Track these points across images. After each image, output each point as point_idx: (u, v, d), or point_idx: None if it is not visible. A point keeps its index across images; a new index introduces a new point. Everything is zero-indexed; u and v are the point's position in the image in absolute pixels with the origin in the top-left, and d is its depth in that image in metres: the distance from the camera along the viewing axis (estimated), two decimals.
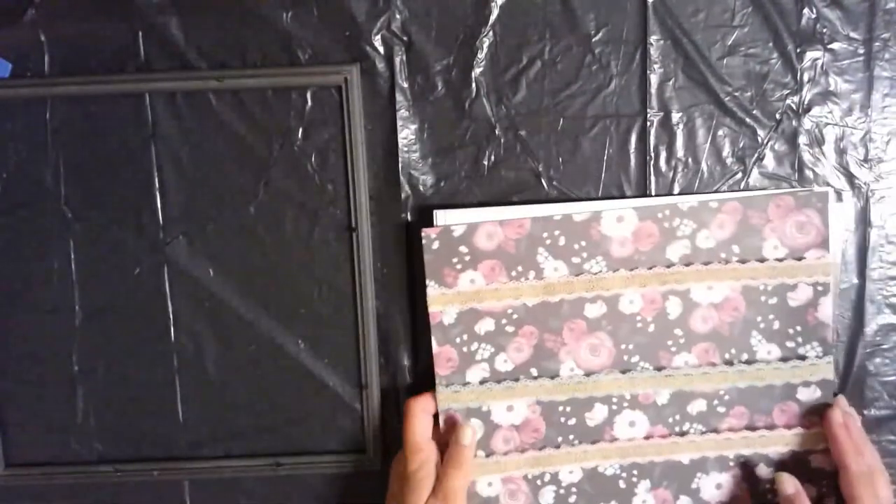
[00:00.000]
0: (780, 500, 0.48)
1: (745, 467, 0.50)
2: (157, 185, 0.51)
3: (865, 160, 0.50)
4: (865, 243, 0.50)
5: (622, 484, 0.50)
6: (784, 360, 0.49)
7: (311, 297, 0.51)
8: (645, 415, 0.49)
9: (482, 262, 0.48)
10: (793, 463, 0.49)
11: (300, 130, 0.50)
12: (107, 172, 0.51)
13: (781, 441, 0.49)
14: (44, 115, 0.50)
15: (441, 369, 0.49)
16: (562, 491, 0.50)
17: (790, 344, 0.49)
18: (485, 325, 0.49)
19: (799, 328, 0.48)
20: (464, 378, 0.49)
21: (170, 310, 0.51)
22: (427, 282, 0.48)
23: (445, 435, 0.49)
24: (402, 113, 0.50)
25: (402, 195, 0.50)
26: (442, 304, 0.49)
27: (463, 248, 0.48)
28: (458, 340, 0.49)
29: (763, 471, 0.50)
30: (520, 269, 0.48)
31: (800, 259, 0.48)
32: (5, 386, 0.53)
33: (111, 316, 0.52)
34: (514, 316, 0.49)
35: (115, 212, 0.51)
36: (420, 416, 0.48)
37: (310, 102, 0.50)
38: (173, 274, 0.51)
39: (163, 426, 0.53)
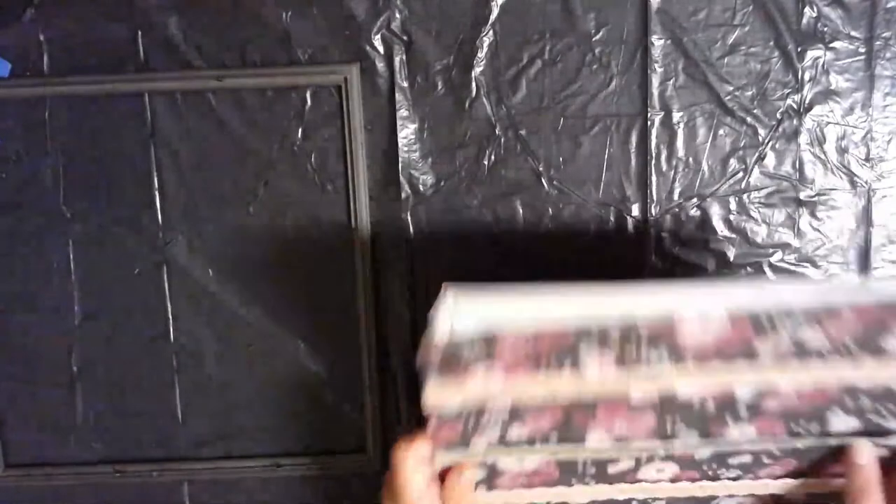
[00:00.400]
0: (847, 470, 0.39)
1: (773, 500, 0.42)
2: (156, 184, 0.51)
3: (867, 159, 0.49)
4: (867, 243, 0.50)
5: None
6: (859, 431, 0.39)
7: (310, 297, 0.51)
8: (677, 464, 0.40)
9: (502, 360, 0.35)
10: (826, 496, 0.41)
11: (300, 130, 0.50)
12: (106, 172, 0.51)
13: (824, 487, 0.41)
14: (43, 115, 0.50)
15: (439, 444, 0.38)
16: None
17: (873, 417, 0.38)
18: (497, 409, 0.36)
19: (892, 406, 0.37)
20: (467, 446, 0.38)
21: (169, 310, 0.51)
22: (427, 374, 0.35)
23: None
24: (402, 113, 0.50)
25: (402, 195, 0.50)
26: (443, 399, 0.36)
27: (478, 351, 0.34)
28: (461, 420, 0.37)
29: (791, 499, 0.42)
30: (552, 362, 0.35)
31: None
32: (5, 386, 0.53)
33: (111, 316, 0.52)
34: (538, 402, 0.36)
35: (114, 212, 0.51)
36: (416, 468, 0.39)
37: (309, 102, 0.50)
38: (173, 274, 0.51)
39: (162, 426, 0.52)
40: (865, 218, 0.50)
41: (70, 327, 0.52)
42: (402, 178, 0.50)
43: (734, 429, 0.38)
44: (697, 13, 0.49)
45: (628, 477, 0.42)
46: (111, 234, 0.51)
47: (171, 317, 0.52)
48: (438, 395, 0.35)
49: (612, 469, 0.41)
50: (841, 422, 0.38)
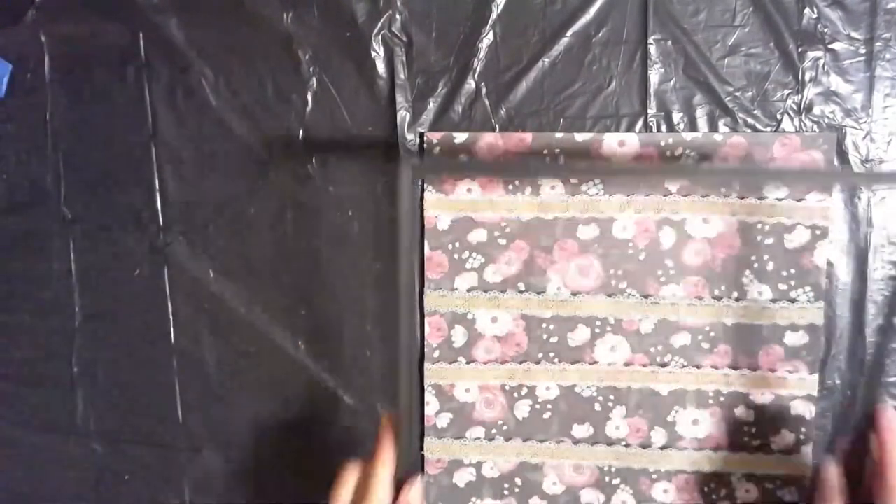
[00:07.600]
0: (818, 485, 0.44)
1: (724, 407, 0.49)
2: (157, 185, 0.51)
3: (866, 160, 0.49)
4: (866, 244, 0.50)
5: (597, 407, 0.50)
6: (774, 301, 0.48)
7: (311, 298, 0.51)
8: (627, 341, 0.49)
9: (479, 179, 0.49)
10: (773, 407, 0.49)
11: (301, 131, 0.50)
12: (107, 173, 0.51)
13: (763, 383, 0.49)
14: (44, 115, 0.50)
15: (431, 273, 0.50)
16: (537, 406, 0.50)
17: (782, 286, 0.48)
18: (477, 235, 0.49)
19: (793, 271, 0.48)
20: (452, 284, 0.50)
21: (170, 311, 0.51)
22: (425, 186, 0.49)
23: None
24: (403, 113, 0.50)
25: None
26: (438, 209, 0.49)
27: (463, 157, 0.49)
28: (450, 247, 0.50)
29: (742, 412, 0.49)
30: (517, 183, 0.49)
31: (800, 200, 0.48)
32: (5, 386, 0.53)
33: (111, 317, 0.52)
34: (507, 229, 0.49)
35: (115, 213, 0.51)
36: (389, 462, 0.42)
37: (311, 103, 0.50)
38: (173, 275, 0.51)
39: (163, 427, 0.53)
40: (865, 219, 0.50)
41: (71, 327, 0.52)
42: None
43: (666, 288, 0.49)
44: (697, 14, 0.49)
45: (586, 355, 0.50)
46: (112, 235, 0.51)
47: (171, 317, 0.52)
48: (435, 205, 0.49)
49: (571, 341, 0.50)
50: (755, 289, 0.48)
